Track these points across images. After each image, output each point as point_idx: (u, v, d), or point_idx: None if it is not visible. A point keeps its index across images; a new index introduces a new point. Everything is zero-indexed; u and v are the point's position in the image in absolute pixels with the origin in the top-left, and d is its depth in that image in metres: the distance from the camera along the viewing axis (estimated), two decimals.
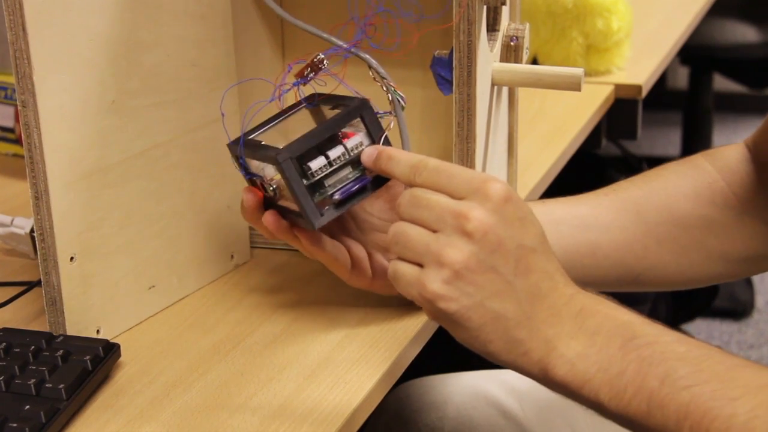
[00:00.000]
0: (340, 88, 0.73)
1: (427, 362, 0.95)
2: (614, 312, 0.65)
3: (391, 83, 0.73)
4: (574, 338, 0.64)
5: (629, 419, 0.62)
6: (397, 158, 0.68)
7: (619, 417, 0.62)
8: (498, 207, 0.64)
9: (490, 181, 0.65)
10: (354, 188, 0.71)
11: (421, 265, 0.64)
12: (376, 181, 0.72)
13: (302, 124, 0.76)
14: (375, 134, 0.72)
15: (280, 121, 0.75)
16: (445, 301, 0.63)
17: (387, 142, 0.72)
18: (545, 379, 0.64)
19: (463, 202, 0.64)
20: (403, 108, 0.73)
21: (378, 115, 0.72)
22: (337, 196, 0.71)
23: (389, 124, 0.73)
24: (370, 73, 0.73)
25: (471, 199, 0.64)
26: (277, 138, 0.74)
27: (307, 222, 0.71)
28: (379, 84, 0.73)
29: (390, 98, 0.73)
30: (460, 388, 0.98)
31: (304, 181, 0.70)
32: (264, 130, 0.75)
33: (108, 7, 0.73)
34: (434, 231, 0.64)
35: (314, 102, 0.75)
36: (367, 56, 0.72)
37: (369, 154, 0.71)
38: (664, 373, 0.61)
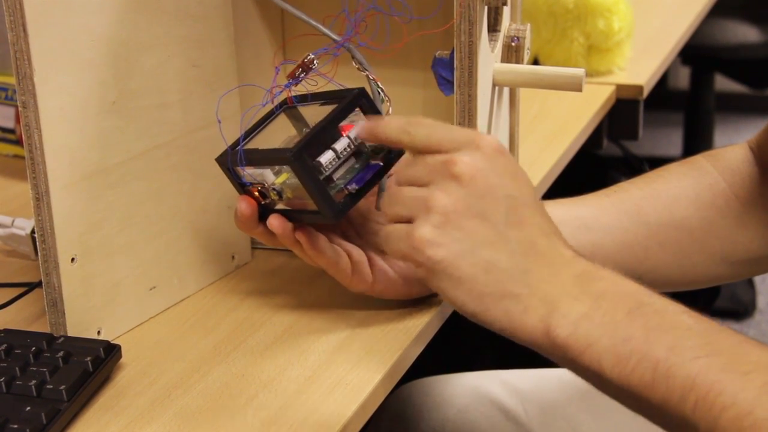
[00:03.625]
0: (330, 87, 0.73)
1: (429, 362, 0.95)
2: (620, 279, 0.62)
3: (372, 76, 0.73)
4: (578, 299, 0.61)
5: (630, 390, 0.59)
6: (387, 121, 0.68)
7: (619, 387, 0.59)
8: (488, 156, 0.63)
9: (482, 135, 0.64)
10: (368, 176, 0.72)
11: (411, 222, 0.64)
12: (386, 164, 0.73)
13: (282, 129, 0.76)
14: None
15: (261, 130, 0.76)
16: (433, 246, 0.62)
17: None
18: (546, 340, 0.61)
19: (453, 152, 0.64)
20: (383, 101, 0.74)
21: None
22: (352, 186, 0.72)
23: (388, 110, 0.73)
24: (354, 64, 0.73)
25: (462, 149, 0.64)
26: (261, 146, 0.75)
27: (325, 216, 0.71)
28: (364, 75, 0.74)
29: (372, 90, 0.74)
30: (462, 389, 0.97)
31: (319, 177, 0.70)
32: (248, 141, 0.75)
33: (109, 8, 0.73)
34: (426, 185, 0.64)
35: (293, 105, 0.75)
36: (352, 47, 0.72)
37: (362, 126, 0.70)
38: (672, 342, 0.58)
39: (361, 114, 0.72)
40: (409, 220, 0.64)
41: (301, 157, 0.70)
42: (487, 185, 0.63)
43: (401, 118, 0.68)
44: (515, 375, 0.98)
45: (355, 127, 0.71)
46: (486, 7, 0.77)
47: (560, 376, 0.98)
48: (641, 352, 0.58)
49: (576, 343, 0.60)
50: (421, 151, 0.67)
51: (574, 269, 0.63)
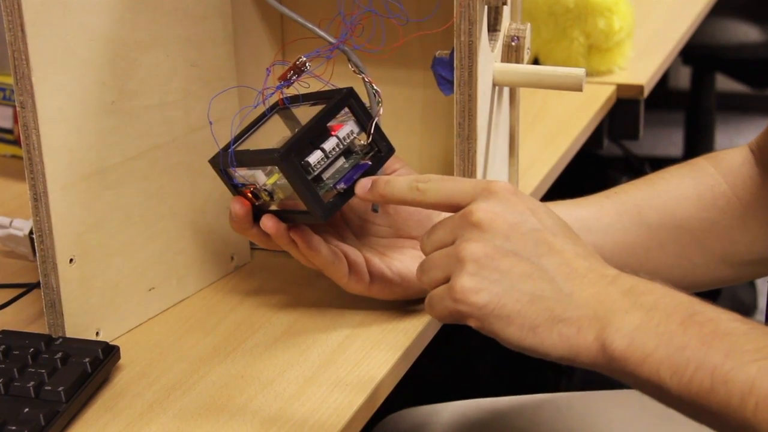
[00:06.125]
0: (324, 88, 0.73)
1: (414, 392, 0.94)
2: (669, 290, 0.62)
3: (368, 78, 0.73)
4: (630, 312, 0.61)
5: (690, 398, 0.59)
6: (394, 181, 0.70)
7: (678, 396, 0.59)
8: (503, 198, 0.65)
9: (493, 181, 0.66)
10: (356, 176, 0.72)
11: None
12: (375, 164, 0.73)
13: (276, 130, 0.76)
14: (364, 122, 0.73)
15: (253, 132, 0.76)
16: (474, 293, 0.63)
17: (378, 129, 0.73)
18: (604, 357, 0.61)
19: (468, 203, 0.66)
20: (378, 103, 0.74)
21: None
22: (340, 186, 0.72)
23: (379, 111, 0.73)
24: (350, 66, 0.73)
25: (476, 199, 0.66)
26: (255, 147, 0.75)
27: (314, 216, 0.71)
28: (359, 77, 0.73)
29: (368, 92, 0.74)
30: (450, 420, 0.96)
31: (307, 176, 0.70)
32: (241, 142, 0.75)
33: (107, 8, 0.73)
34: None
35: (285, 106, 0.75)
36: (348, 49, 0.73)
37: (363, 185, 0.71)
38: (727, 348, 0.58)
39: (351, 113, 0.73)
40: (445, 281, 0.65)
41: (289, 157, 0.70)
42: (509, 225, 0.64)
43: (408, 178, 0.69)
44: (507, 402, 0.97)
45: (359, 185, 0.72)
46: (486, 7, 0.76)
47: (556, 401, 0.97)
48: (698, 360, 0.59)
49: (633, 356, 0.60)
50: (434, 207, 0.69)
51: (620, 285, 0.63)
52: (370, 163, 0.73)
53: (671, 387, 0.59)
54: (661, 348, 0.60)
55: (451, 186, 0.67)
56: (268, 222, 0.73)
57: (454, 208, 0.67)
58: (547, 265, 0.63)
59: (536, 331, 0.63)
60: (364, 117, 0.73)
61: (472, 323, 0.65)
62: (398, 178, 0.70)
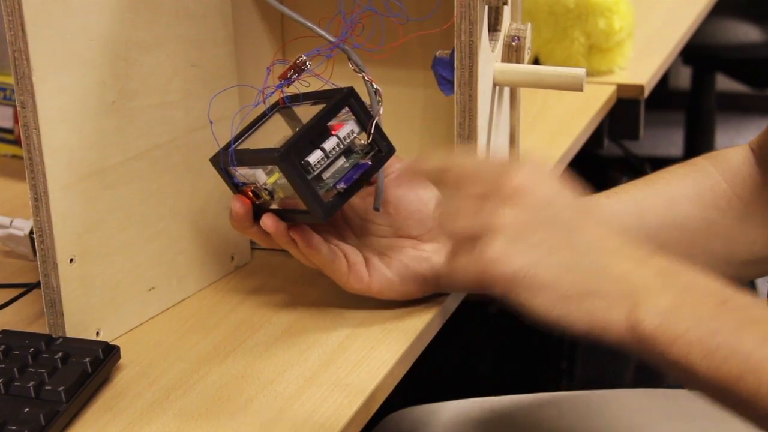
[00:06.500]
0: (324, 87, 0.73)
1: (415, 391, 0.94)
2: (702, 275, 0.62)
3: (368, 77, 0.73)
4: (662, 293, 0.61)
5: (718, 383, 0.59)
6: (423, 159, 0.69)
7: (707, 380, 0.59)
8: (539, 171, 0.65)
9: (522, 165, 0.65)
10: (356, 175, 0.72)
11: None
12: (375, 164, 0.73)
13: (277, 129, 0.76)
14: (364, 122, 0.73)
15: (254, 130, 0.76)
16: (507, 260, 0.62)
17: (378, 129, 0.73)
18: (633, 336, 0.60)
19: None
20: (378, 102, 0.74)
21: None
22: (340, 185, 0.72)
23: (379, 111, 0.73)
24: (350, 65, 0.73)
25: (512, 170, 0.65)
26: (256, 146, 0.75)
27: (314, 215, 0.71)
28: (360, 76, 0.73)
29: (368, 91, 0.74)
30: (451, 419, 0.95)
31: (307, 176, 0.70)
32: (241, 141, 0.75)
33: (108, 8, 0.73)
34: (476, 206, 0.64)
35: (285, 105, 0.75)
36: (348, 48, 0.72)
37: (405, 169, 0.73)
38: (761, 336, 0.58)
39: (351, 113, 0.73)
40: (471, 239, 0.64)
41: (289, 157, 0.70)
42: (546, 195, 0.64)
43: (438, 155, 0.68)
44: (508, 402, 0.97)
45: (395, 171, 0.73)
46: (486, 7, 0.76)
47: (557, 400, 0.97)
48: (730, 345, 0.58)
49: (663, 336, 0.60)
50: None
51: (653, 266, 0.62)
52: (370, 162, 0.73)
53: (700, 370, 0.59)
54: (692, 331, 0.59)
55: (485, 168, 0.66)
56: (267, 221, 0.73)
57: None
58: (582, 239, 0.63)
59: (566, 302, 0.61)
60: (364, 116, 0.73)
61: (497, 291, 0.63)
62: (427, 156, 0.69)
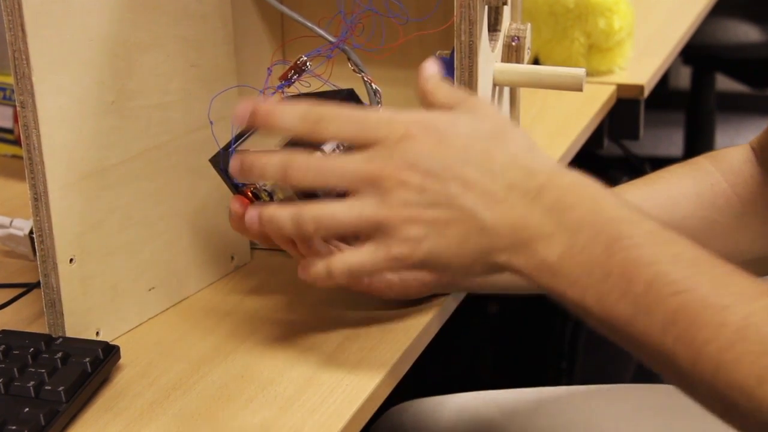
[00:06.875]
0: (324, 88, 0.73)
1: (420, 383, 0.94)
2: (596, 205, 0.62)
3: (368, 77, 0.73)
4: (554, 237, 0.62)
5: (613, 324, 0.60)
6: (281, 110, 0.66)
7: (602, 321, 0.61)
8: (408, 147, 0.64)
9: (395, 123, 0.64)
10: None
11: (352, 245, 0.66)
12: None
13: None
14: None
15: (254, 131, 0.76)
16: (408, 255, 0.64)
17: None
18: (535, 279, 0.63)
19: (370, 158, 0.64)
20: (379, 102, 0.73)
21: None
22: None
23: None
24: (349, 65, 0.73)
25: (378, 148, 0.64)
26: (257, 147, 0.74)
27: None
28: (359, 76, 0.73)
29: (368, 92, 0.74)
30: (455, 412, 0.96)
31: None
32: (241, 142, 0.75)
33: (107, 8, 0.73)
34: (349, 194, 0.65)
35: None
36: (348, 48, 0.72)
37: (241, 113, 0.67)
38: (651, 278, 0.58)
39: None
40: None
41: None
42: (420, 177, 0.63)
43: (300, 107, 0.66)
44: (511, 395, 0.97)
45: (235, 115, 0.67)
46: (486, 7, 0.76)
47: (558, 395, 0.97)
48: (620, 289, 0.59)
49: (559, 284, 0.62)
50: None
51: (544, 202, 0.63)
52: None
53: (595, 312, 0.60)
54: (585, 276, 0.60)
55: (350, 133, 0.65)
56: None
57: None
58: (466, 202, 0.63)
59: (474, 267, 0.64)
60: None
61: (411, 268, 0.66)
62: (285, 108, 0.66)
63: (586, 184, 0.64)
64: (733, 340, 0.55)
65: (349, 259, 0.66)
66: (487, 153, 0.64)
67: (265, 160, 0.66)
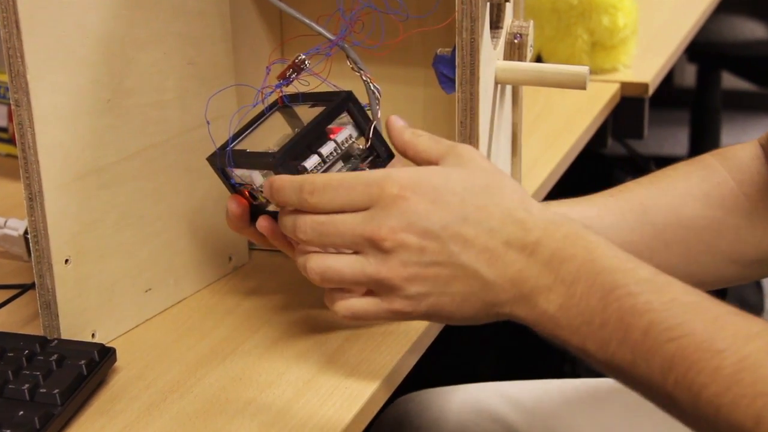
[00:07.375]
0: (323, 87, 0.72)
1: (427, 374, 0.94)
2: (590, 255, 0.64)
3: (367, 75, 0.72)
4: (552, 290, 0.64)
5: (615, 369, 0.62)
6: (280, 186, 0.69)
7: (605, 366, 0.63)
8: (401, 208, 0.65)
9: (384, 186, 0.66)
10: None
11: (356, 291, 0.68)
12: (373, 169, 0.72)
13: (277, 128, 0.75)
14: (363, 125, 0.72)
15: (253, 129, 0.75)
16: (411, 310, 0.66)
17: (377, 133, 0.72)
18: (538, 327, 0.65)
19: (367, 219, 0.66)
20: (378, 101, 0.73)
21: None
22: None
23: (377, 114, 0.73)
24: (348, 63, 0.72)
25: (374, 209, 0.66)
26: (255, 146, 0.74)
27: None
28: (358, 74, 0.73)
29: (367, 90, 0.73)
30: (461, 402, 0.96)
31: None
32: (239, 141, 0.74)
33: (103, 5, 0.73)
34: (355, 252, 0.67)
35: (285, 104, 0.74)
36: (346, 46, 0.72)
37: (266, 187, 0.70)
38: (647, 325, 0.60)
39: (350, 117, 0.72)
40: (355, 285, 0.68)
41: (284, 162, 0.69)
42: (418, 238, 0.65)
43: (293, 182, 0.68)
44: (516, 387, 0.98)
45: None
46: (488, 4, 0.76)
47: (563, 387, 0.97)
48: (618, 337, 0.61)
49: (561, 333, 0.64)
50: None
51: (541, 255, 0.65)
52: (368, 168, 0.72)
53: (599, 358, 0.63)
54: (585, 326, 0.63)
55: (345, 195, 0.66)
56: (263, 223, 0.73)
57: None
58: (467, 260, 0.65)
59: (477, 317, 0.67)
60: (363, 121, 0.72)
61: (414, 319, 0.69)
62: (284, 183, 0.68)
63: (580, 236, 0.65)
64: (729, 384, 0.57)
65: (353, 306, 0.68)
66: (483, 209, 0.66)
67: (283, 222, 0.70)
